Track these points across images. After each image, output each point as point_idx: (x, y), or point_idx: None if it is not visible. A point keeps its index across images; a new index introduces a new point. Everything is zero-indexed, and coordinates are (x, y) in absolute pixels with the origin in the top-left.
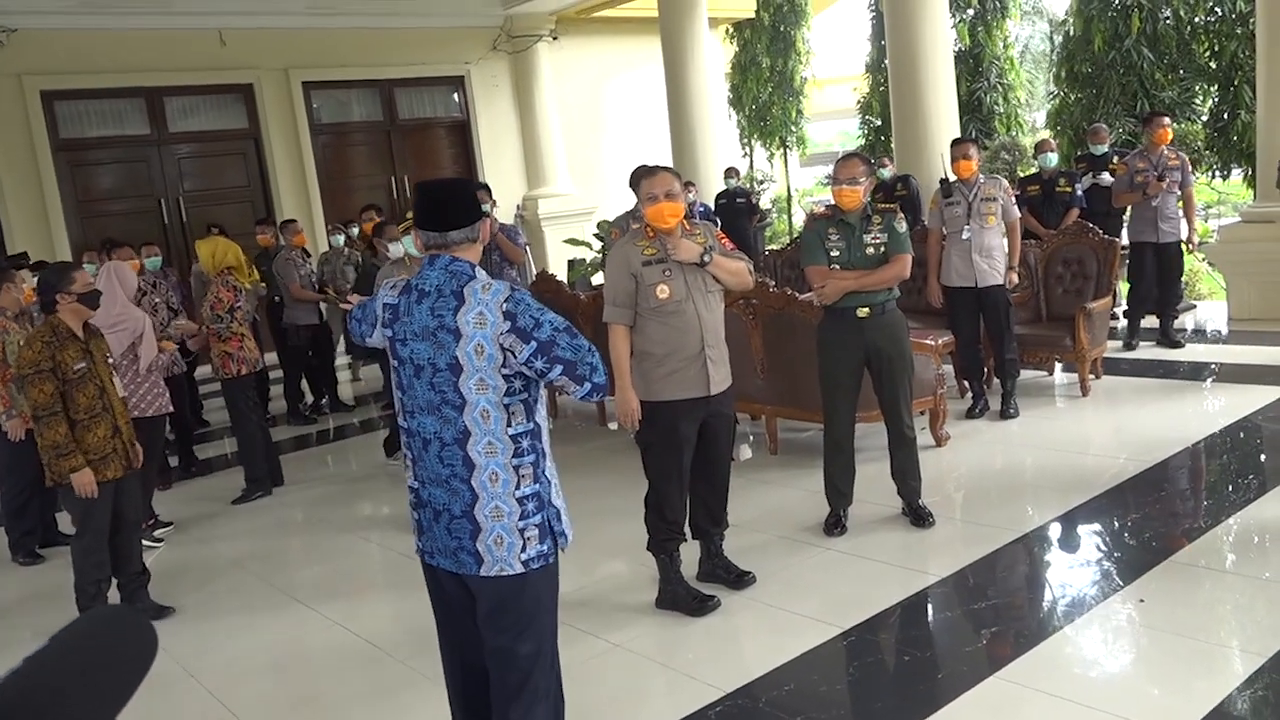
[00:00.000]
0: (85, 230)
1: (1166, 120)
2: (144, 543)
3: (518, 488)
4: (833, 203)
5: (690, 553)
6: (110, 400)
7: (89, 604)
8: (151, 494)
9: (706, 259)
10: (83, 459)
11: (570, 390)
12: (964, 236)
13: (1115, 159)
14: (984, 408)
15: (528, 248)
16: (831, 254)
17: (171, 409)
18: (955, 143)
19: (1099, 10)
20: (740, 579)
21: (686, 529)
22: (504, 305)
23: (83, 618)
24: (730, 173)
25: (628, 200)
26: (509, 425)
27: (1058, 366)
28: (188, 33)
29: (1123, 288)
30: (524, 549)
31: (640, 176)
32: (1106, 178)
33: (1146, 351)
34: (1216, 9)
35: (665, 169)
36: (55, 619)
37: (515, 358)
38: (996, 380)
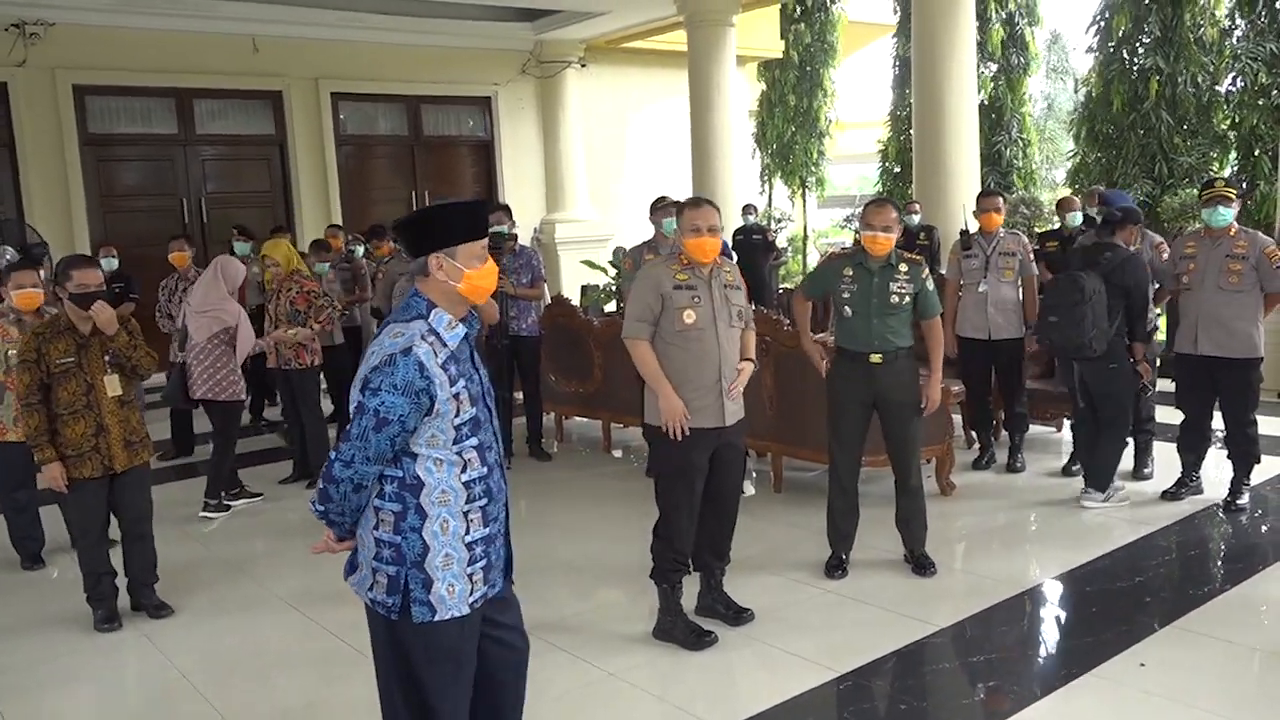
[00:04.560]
0: (106, 225)
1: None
2: (207, 514)
3: (376, 528)
4: (848, 244)
5: (689, 585)
6: (98, 399)
7: (91, 592)
8: (223, 472)
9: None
10: (53, 452)
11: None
12: (980, 289)
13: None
14: (991, 459)
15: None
16: (843, 295)
17: (244, 398)
18: (984, 195)
19: (1118, 73)
20: (739, 616)
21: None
22: (376, 360)
23: None
24: (748, 209)
25: (645, 228)
26: (384, 466)
27: (1066, 423)
28: (221, 37)
29: None
30: (371, 588)
31: (687, 207)
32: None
33: (1162, 414)
34: (1238, 79)
35: (709, 202)
36: (70, 603)
37: None
38: (1005, 433)
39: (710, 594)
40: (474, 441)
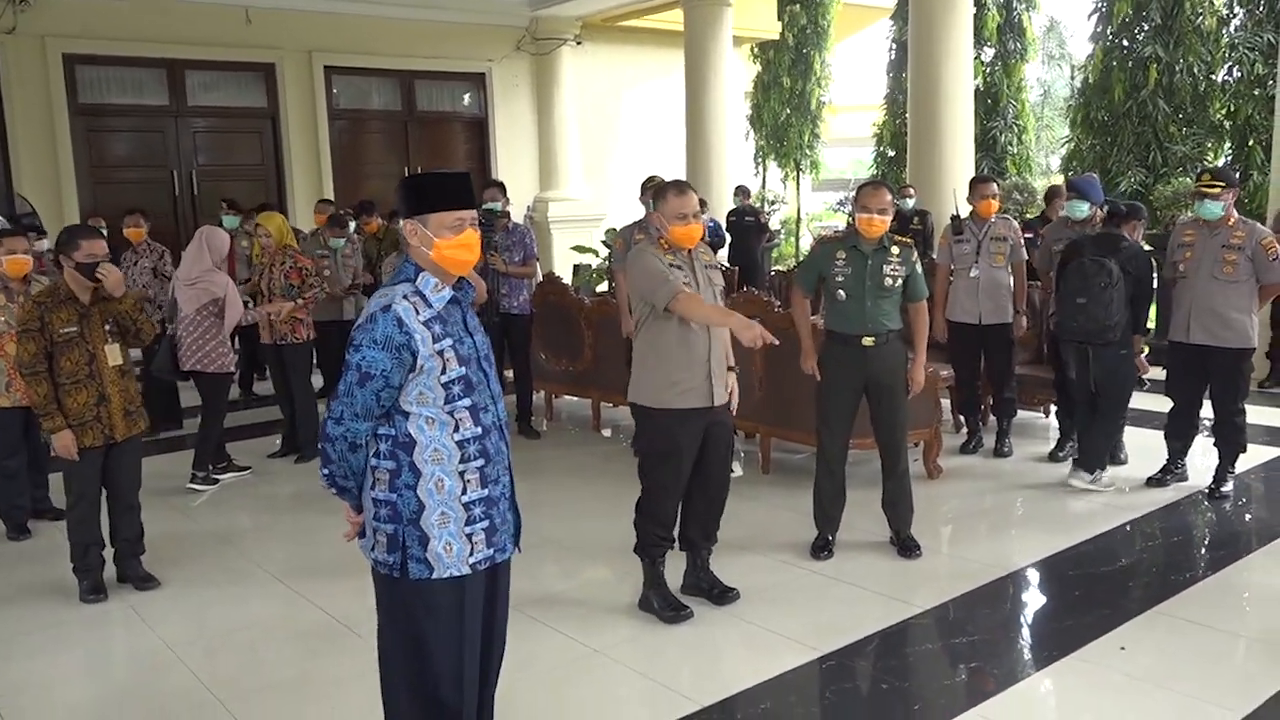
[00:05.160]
0: (96, 196)
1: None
2: (194, 485)
3: (373, 488)
4: (840, 227)
5: (676, 563)
6: (99, 368)
7: (78, 562)
8: (211, 445)
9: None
10: (62, 420)
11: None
12: (972, 274)
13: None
14: (978, 444)
15: (534, 245)
16: (837, 279)
17: (234, 369)
18: (980, 180)
19: (1119, 60)
20: (724, 595)
21: (675, 538)
22: (361, 319)
23: None
24: (740, 191)
25: (637, 208)
26: (377, 424)
27: (1053, 409)
28: (214, 7)
29: None
30: (373, 548)
31: (670, 192)
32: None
33: (1149, 402)
34: (1235, 69)
35: (692, 188)
36: (55, 574)
37: None
38: (993, 418)
39: (696, 573)
40: (466, 402)
